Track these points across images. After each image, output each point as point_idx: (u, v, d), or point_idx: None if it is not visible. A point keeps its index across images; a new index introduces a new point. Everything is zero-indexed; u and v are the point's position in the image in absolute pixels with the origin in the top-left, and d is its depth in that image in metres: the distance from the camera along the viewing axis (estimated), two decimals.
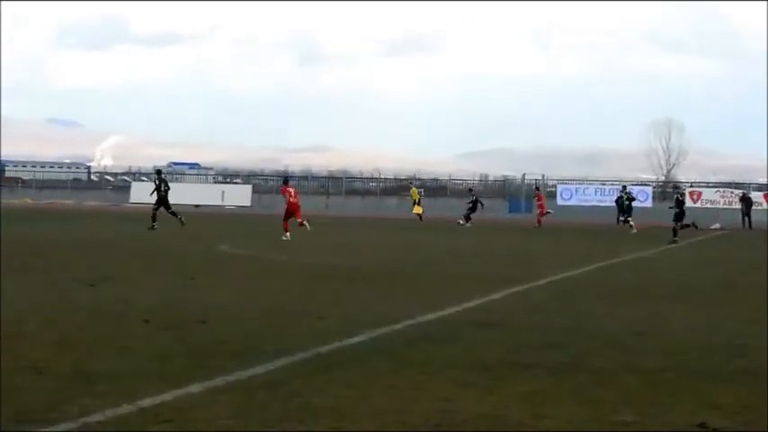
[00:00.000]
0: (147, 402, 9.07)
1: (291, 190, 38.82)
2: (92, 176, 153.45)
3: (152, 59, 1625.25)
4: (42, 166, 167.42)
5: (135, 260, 25.31)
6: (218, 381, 10.15)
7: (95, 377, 10.10)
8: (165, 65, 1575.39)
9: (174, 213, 41.55)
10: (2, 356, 11.05)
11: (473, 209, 57.12)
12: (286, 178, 45.25)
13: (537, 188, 65.36)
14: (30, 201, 70.98)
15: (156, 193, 42.06)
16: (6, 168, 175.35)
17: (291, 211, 37.77)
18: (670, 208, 44.21)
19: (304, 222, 37.77)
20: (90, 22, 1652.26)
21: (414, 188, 64.64)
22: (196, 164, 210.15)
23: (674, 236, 41.05)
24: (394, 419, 8.81)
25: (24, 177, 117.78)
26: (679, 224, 42.13)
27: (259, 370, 10.82)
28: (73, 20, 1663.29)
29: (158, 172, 45.77)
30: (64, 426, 8.18)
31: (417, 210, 60.64)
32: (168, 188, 42.69)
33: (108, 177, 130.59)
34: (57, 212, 57.75)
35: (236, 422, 8.52)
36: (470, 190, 62.89)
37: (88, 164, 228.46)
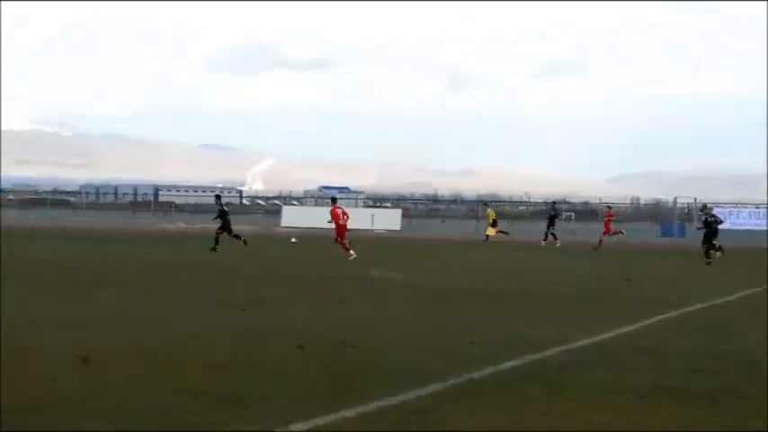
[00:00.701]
0: (299, 427, 9.12)
1: (339, 212, 39.45)
2: (243, 200, 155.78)
3: (304, 83, 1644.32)
4: (195, 191, 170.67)
5: (285, 283, 25.51)
6: (371, 406, 10.16)
7: (249, 400, 10.19)
8: (317, 89, 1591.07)
9: (236, 236, 42.25)
10: (159, 380, 11.25)
11: (551, 223, 56.56)
12: (333, 198, 45.30)
13: (609, 207, 63.57)
14: (183, 225, 72.18)
15: (220, 217, 42.55)
16: (160, 192, 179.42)
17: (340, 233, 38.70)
18: (698, 229, 44.07)
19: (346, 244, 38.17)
20: (243, 48, 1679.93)
21: (490, 209, 64.64)
22: (346, 188, 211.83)
23: (707, 257, 40.41)
24: None
25: (177, 201, 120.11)
26: (706, 246, 41.25)
27: (410, 395, 10.81)
28: (226, 46, 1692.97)
29: (218, 197, 46.34)
30: None
31: (491, 231, 60.29)
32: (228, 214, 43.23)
33: (259, 201, 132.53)
34: (208, 236, 58.66)
35: None
36: (554, 203, 63.01)
37: (240, 188, 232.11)
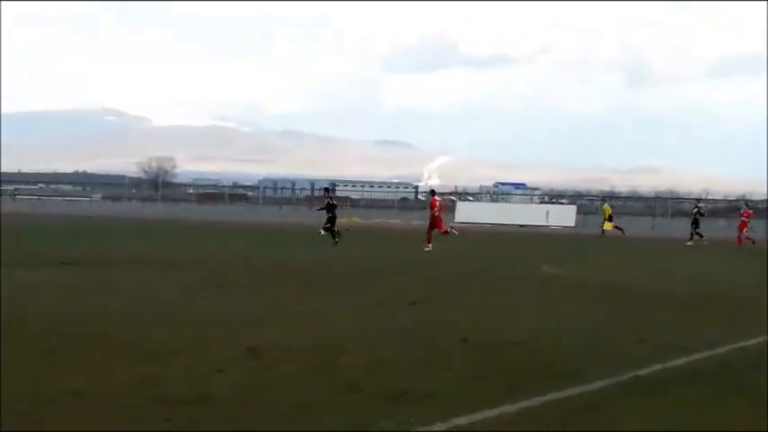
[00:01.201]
0: (461, 421, 9.11)
1: (438, 202, 40.77)
2: (419, 196, 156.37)
3: (481, 80, 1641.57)
4: (371, 186, 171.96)
5: (455, 280, 25.49)
6: (534, 401, 10.11)
7: (411, 396, 10.22)
8: (493, 86, 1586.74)
9: (332, 231, 41.38)
10: (320, 375, 11.37)
11: (696, 223, 54.69)
12: (432, 191, 45.51)
13: (746, 203, 61.17)
14: (358, 220, 72.81)
15: (327, 210, 42.05)
16: (337, 188, 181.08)
17: (434, 224, 39.65)
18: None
19: (448, 230, 39.91)
20: (419, 46, 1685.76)
21: (606, 204, 63.93)
22: (522, 184, 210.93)
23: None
24: None
25: (353, 197, 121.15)
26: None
27: (576, 391, 10.71)
28: (404, 43, 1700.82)
29: (327, 189, 46.27)
30: None
31: (607, 226, 60.13)
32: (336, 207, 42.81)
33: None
34: (383, 232, 59.09)
35: None
36: (698, 200, 59.99)
37: (416, 184, 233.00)
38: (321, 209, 43.33)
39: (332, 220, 41.76)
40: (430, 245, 38.06)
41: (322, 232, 40.08)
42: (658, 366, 12.42)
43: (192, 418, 9.01)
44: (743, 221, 54.05)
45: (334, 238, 40.58)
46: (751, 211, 56.79)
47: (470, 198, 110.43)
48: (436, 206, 40.65)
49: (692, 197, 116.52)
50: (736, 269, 33.97)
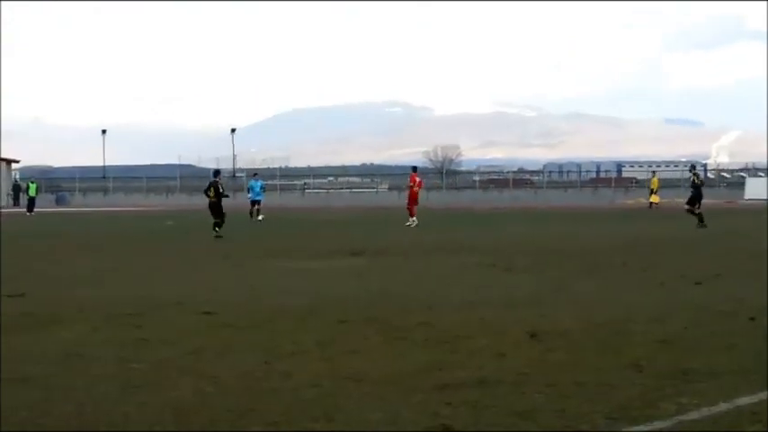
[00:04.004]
0: (744, 401, 8.88)
1: (417, 179, 41.40)
2: (708, 174, 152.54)
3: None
4: (658, 166, 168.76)
5: (743, 257, 24.80)
6: None
7: (695, 375, 10.02)
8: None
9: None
10: (605, 355, 11.29)
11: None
12: (414, 167, 45.79)
13: None
14: (643, 200, 71.86)
15: None
16: (623, 169, 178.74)
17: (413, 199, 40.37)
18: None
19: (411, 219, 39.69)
20: (704, 23, 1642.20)
21: (654, 178, 66.69)
22: None
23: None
24: None
25: (638, 177, 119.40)
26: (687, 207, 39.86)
27: None
28: (689, 22, 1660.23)
29: (693, 166, 44.91)
30: (658, 424, 8.20)
31: (654, 198, 63.06)
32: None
33: (724, 174, 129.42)
34: (672, 211, 58.15)
35: None
36: (692, 167, 50.44)
37: (704, 162, 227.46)
38: None
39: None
40: (413, 218, 39.67)
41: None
42: None
43: (472, 401, 9.08)
44: None
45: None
46: None
47: (761, 174, 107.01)
48: (415, 182, 41.53)
49: None
50: None
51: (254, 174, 62.08)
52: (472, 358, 11.21)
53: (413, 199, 41.11)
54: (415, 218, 39.75)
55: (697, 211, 39.25)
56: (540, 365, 10.70)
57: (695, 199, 40.03)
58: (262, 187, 53.46)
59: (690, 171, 47.21)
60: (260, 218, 49.18)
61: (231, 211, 38.41)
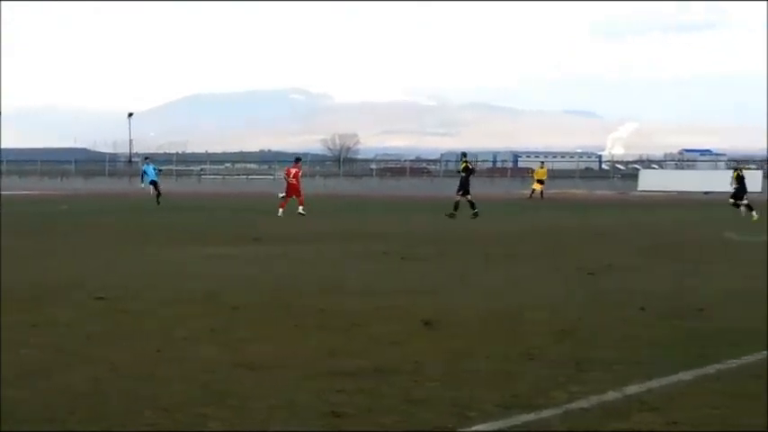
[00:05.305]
0: (633, 389, 9.04)
1: (293, 171, 40.77)
2: (603, 165, 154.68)
3: (672, 47, 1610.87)
4: (554, 156, 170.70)
5: (635, 248, 25.18)
6: (710, 369, 9.97)
7: (587, 364, 10.17)
8: (684, 51, 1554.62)
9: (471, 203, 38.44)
10: (500, 343, 11.41)
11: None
12: (297, 158, 46.00)
13: None
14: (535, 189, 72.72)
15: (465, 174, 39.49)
16: (519, 159, 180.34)
17: (290, 193, 40.16)
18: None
19: (300, 209, 39.08)
20: (608, 16, 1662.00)
21: (541, 168, 68.39)
22: (708, 150, 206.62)
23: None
24: None
25: (534, 168, 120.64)
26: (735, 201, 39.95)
27: (753, 358, 10.54)
28: (592, 15, 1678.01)
29: (464, 154, 44.34)
30: (548, 412, 8.32)
31: (536, 186, 64.78)
32: (472, 172, 40.86)
33: (618, 166, 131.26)
34: (568, 202, 58.83)
35: (726, 411, 8.34)
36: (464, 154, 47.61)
37: (599, 153, 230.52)
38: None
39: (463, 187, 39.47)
40: (281, 211, 38.99)
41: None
42: None
43: (365, 389, 9.12)
44: None
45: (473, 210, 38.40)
46: None
47: (654, 166, 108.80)
48: (290, 174, 41.22)
49: None
50: None
51: (146, 158, 61.40)
52: (367, 346, 11.26)
53: (293, 191, 40.48)
54: (301, 207, 39.28)
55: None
56: (435, 354, 10.77)
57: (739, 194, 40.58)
58: (156, 170, 52.52)
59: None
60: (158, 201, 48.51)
61: (128, 197, 38.02)
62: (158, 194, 48.97)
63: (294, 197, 40.12)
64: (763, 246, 24.91)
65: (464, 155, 43.09)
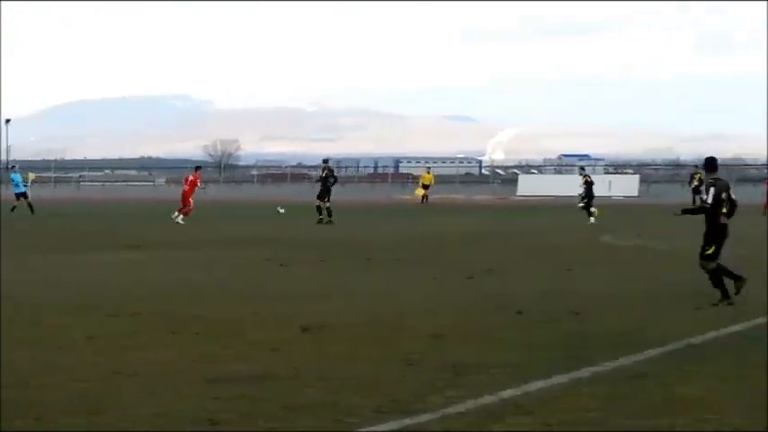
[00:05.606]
0: (510, 393, 9.13)
1: (190, 178, 40.70)
2: (483, 170, 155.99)
3: (549, 51, 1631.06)
4: (435, 162, 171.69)
5: (514, 253, 25.46)
6: (584, 372, 10.11)
7: (464, 369, 10.25)
8: (563, 56, 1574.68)
9: (320, 209, 38.44)
10: (378, 349, 11.46)
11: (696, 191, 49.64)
12: (197, 166, 46.17)
13: None
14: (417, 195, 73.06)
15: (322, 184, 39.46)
16: (400, 165, 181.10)
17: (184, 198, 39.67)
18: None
19: (175, 213, 38.78)
20: (495, 22, 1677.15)
21: (428, 174, 68.33)
22: (586, 155, 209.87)
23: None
24: (763, 413, 8.49)
25: (416, 173, 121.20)
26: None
27: (627, 361, 10.72)
28: (476, 21, 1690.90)
29: (325, 160, 44.25)
30: (426, 416, 8.37)
31: (419, 192, 64.87)
32: (335, 180, 40.98)
33: (498, 171, 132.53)
34: (448, 207, 59.19)
35: (599, 414, 8.46)
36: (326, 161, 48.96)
37: (480, 158, 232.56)
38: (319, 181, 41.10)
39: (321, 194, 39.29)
40: (177, 214, 38.70)
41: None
42: (713, 333, 12.43)
43: (243, 396, 9.09)
44: None
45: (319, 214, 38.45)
46: None
47: (534, 171, 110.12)
48: (187, 181, 41.09)
49: (758, 164, 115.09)
50: None
51: (12, 166, 60.21)
52: (246, 352, 11.21)
53: (183, 197, 40.19)
54: (177, 213, 38.82)
55: None
56: (313, 360, 10.78)
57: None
58: (24, 183, 51.19)
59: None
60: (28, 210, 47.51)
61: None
62: (29, 204, 47.93)
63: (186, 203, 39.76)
64: (635, 249, 25.40)
65: (325, 161, 43.04)
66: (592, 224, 37.91)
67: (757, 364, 10.50)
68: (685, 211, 16.45)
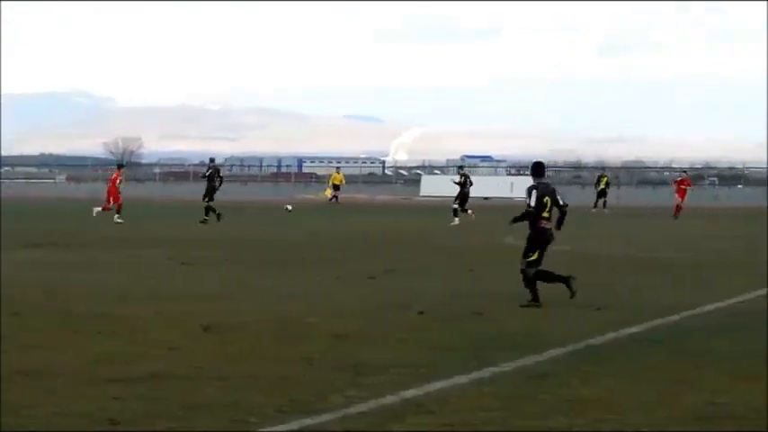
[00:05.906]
0: (411, 393, 9.17)
1: (114, 176, 40.39)
2: (386, 171, 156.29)
3: (448, 53, 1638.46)
4: (338, 162, 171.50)
5: (417, 253, 25.57)
6: (485, 372, 10.18)
7: (365, 368, 10.27)
8: (465, 58, 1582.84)
9: (212, 209, 38.05)
10: (280, 348, 11.45)
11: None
12: (119, 164, 46.60)
13: (685, 172, 58.93)
14: (324, 195, 72.98)
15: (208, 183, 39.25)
16: (304, 164, 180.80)
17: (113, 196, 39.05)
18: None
19: (116, 216, 38.06)
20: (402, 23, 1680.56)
21: (337, 174, 68.14)
22: (488, 156, 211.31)
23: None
24: (662, 413, 8.62)
25: (319, 173, 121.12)
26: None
27: (528, 361, 10.81)
28: (380, 21, 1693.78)
29: (211, 159, 43.92)
30: (326, 416, 8.37)
31: (328, 192, 65.04)
32: (221, 180, 40.41)
33: (402, 171, 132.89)
34: (351, 207, 59.17)
35: (500, 414, 8.52)
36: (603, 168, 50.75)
37: (383, 158, 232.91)
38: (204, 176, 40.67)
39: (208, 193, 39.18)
40: (116, 216, 37.98)
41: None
42: (612, 334, 12.60)
43: (143, 395, 9.03)
44: (681, 189, 51.29)
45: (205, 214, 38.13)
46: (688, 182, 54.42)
47: (437, 172, 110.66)
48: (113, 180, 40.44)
49: (658, 166, 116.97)
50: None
51: None
52: (146, 351, 11.14)
53: (110, 194, 39.66)
54: (116, 215, 38.24)
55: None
56: (215, 359, 10.74)
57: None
58: None
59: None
60: None
61: None
62: None
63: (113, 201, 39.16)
64: None
65: (212, 160, 42.90)
66: (455, 225, 37.78)
67: (655, 365, 10.67)
68: (515, 220, 16.40)
